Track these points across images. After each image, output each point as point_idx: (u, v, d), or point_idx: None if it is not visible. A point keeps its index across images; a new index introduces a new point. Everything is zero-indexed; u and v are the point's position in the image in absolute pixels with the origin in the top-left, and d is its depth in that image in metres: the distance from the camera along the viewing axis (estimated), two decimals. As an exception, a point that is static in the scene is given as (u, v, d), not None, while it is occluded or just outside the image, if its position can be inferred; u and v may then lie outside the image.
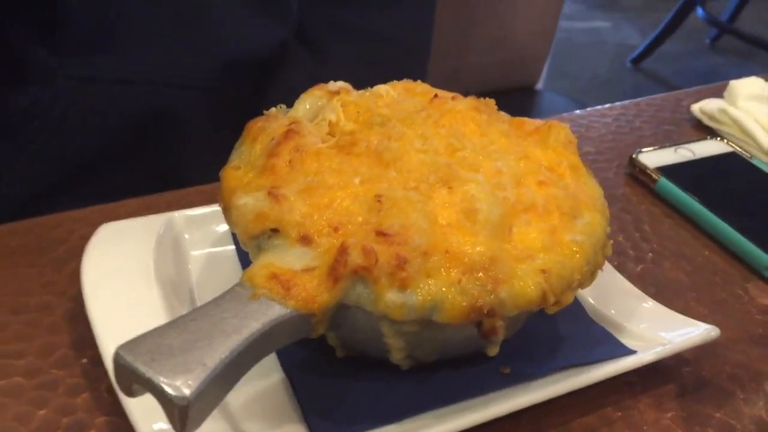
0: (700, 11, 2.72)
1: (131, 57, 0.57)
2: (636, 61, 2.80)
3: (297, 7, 0.65)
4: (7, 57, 0.55)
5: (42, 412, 0.31)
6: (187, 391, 0.24)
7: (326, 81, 0.68)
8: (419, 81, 0.39)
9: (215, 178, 0.49)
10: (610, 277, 0.39)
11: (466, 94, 1.18)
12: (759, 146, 0.54)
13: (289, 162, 0.32)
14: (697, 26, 2.83)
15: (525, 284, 0.30)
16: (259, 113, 0.64)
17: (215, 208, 0.41)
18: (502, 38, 1.28)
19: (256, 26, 0.62)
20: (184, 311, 0.35)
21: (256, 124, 0.36)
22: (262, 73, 0.64)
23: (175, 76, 0.59)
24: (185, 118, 0.60)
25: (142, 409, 0.29)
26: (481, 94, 1.34)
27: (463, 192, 0.31)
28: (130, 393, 0.26)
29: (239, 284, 0.29)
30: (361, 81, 0.69)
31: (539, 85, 1.38)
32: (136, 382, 0.25)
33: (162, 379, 0.24)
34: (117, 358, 0.25)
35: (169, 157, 0.61)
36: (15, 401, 0.32)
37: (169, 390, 0.24)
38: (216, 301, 0.28)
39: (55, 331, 0.35)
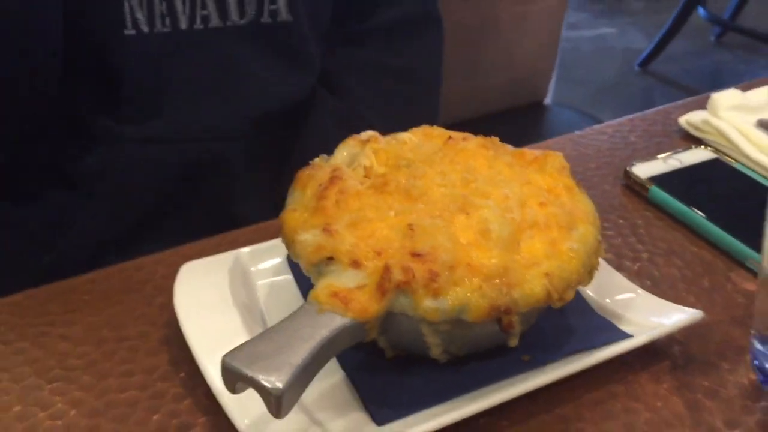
0: (701, 11, 2.76)
1: (181, 117, 0.65)
2: (643, 64, 2.85)
3: (319, 58, 0.74)
4: (75, 125, 0.64)
5: (156, 417, 0.39)
6: (280, 384, 0.32)
7: (348, 117, 0.76)
8: (435, 126, 0.47)
9: (264, 213, 0.57)
10: (608, 274, 0.46)
11: (477, 115, 1.25)
12: (740, 151, 0.61)
13: (336, 202, 0.40)
14: (701, 24, 2.88)
15: (533, 286, 0.37)
16: (294, 153, 0.73)
17: (272, 243, 0.49)
18: (508, 59, 1.34)
19: (286, 79, 0.70)
20: (258, 329, 0.43)
21: (305, 173, 0.44)
22: (293, 117, 0.73)
23: (219, 129, 0.67)
24: (231, 164, 0.68)
25: (236, 407, 0.37)
26: (492, 113, 1.39)
27: (478, 216, 0.39)
28: (234, 390, 0.33)
29: (308, 303, 0.36)
30: (381, 114, 0.76)
31: (548, 99, 1.44)
32: (239, 381, 0.33)
33: (261, 376, 0.32)
34: (224, 363, 0.33)
35: (220, 200, 0.69)
36: (134, 409, 0.40)
37: (267, 384, 0.32)
38: (291, 317, 0.36)
39: (154, 353, 0.43)
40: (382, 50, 0.77)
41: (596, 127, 0.69)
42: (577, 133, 0.68)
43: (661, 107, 0.71)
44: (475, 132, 0.49)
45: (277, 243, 0.48)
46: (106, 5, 0.59)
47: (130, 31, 0.60)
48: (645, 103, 2.59)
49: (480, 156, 0.43)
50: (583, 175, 0.60)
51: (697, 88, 2.66)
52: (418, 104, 0.79)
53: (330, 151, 0.47)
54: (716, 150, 0.62)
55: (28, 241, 0.65)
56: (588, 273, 0.41)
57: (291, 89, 0.71)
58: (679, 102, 0.72)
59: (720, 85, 0.71)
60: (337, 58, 0.77)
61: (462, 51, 1.25)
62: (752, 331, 0.43)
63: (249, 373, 0.32)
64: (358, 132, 0.48)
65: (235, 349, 0.34)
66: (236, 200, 0.69)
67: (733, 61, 2.96)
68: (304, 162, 0.46)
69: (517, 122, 1.30)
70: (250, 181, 0.70)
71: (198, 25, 0.63)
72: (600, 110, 2.50)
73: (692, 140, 0.65)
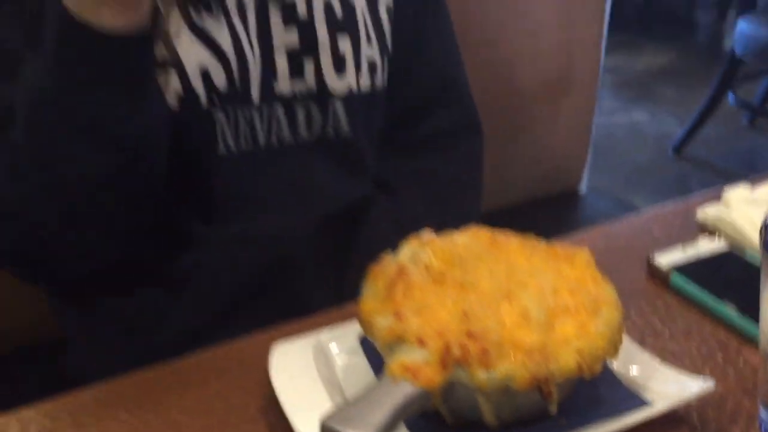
0: (731, 96, 2.85)
1: (260, 220, 0.76)
2: (678, 149, 2.91)
3: (374, 165, 0.85)
4: (173, 229, 0.75)
5: (260, 472, 0.48)
6: (369, 440, 0.41)
7: (400, 217, 0.86)
8: (482, 226, 0.56)
9: (329, 302, 0.67)
10: (633, 350, 0.54)
11: (514, 204, 1.35)
12: (750, 242, 0.69)
13: (403, 293, 0.50)
14: (733, 108, 2.96)
15: (566, 360, 0.46)
16: (354, 250, 0.82)
17: (346, 326, 0.58)
18: (542, 152, 1.43)
19: (346, 185, 0.81)
20: (339, 398, 0.52)
21: (376, 269, 0.53)
22: (353, 218, 0.83)
23: (290, 230, 0.77)
24: (299, 259, 0.78)
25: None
26: (528, 202, 1.49)
27: (520, 303, 0.48)
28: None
29: (385, 375, 0.45)
30: (429, 215, 0.86)
31: (582, 187, 1.52)
32: (336, 438, 0.41)
33: (354, 433, 0.41)
34: (324, 424, 0.42)
35: (291, 291, 0.78)
36: (242, 466, 0.49)
37: (359, 439, 0.41)
38: (373, 387, 0.45)
39: (254, 420, 0.52)
40: (429, 158, 0.88)
41: (624, 219, 0.78)
42: (606, 225, 0.77)
43: (680, 201, 0.79)
44: (513, 221, 0.58)
45: (350, 326, 0.57)
46: (202, 130, 0.71)
47: (221, 151, 0.72)
48: (680, 188, 2.66)
49: (519, 253, 0.53)
50: (610, 263, 0.68)
51: (733, 171, 2.73)
52: (462, 205, 0.89)
53: (385, 248, 0.56)
54: (730, 240, 0.70)
55: (129, 329, 0.75)
56: (613, 349, 0.49)
57: (350, 194, 0.82)
58: (698, 195, 0.81)
59: (755, 167, 0.79)
60: (390, 165, 0.88)
61: (498, 146, 1.34)
62: (759, 400, 0.50)
63: (344, 430, 0.41)
64: (407, 230, 0.57)
65: (330, 413, 0.43)
66: (305, 291, 0.79)
67: (766, 144, 3.02)
68: (365, 258, 0.56)
69: (552, 211, 1.38)
70: (317, 275, 0.79)
71: (274, 141, 0.75)
72: (635, 195, 2.57)
73: (707, 231, 0.73)
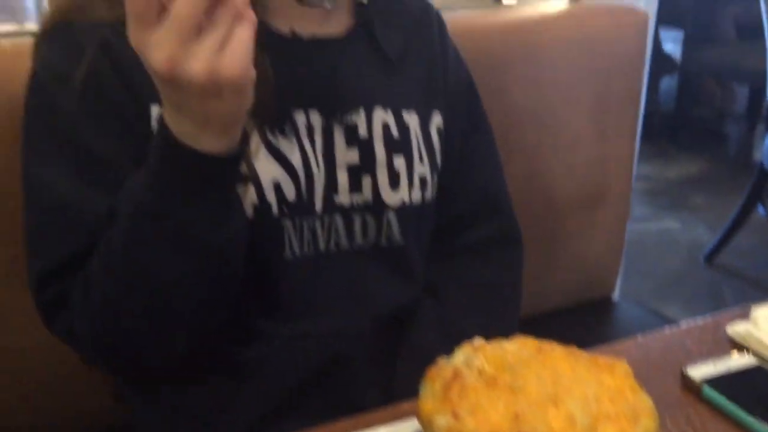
0: (761, 209, 2.89)
1: (319, 319, 0.82)
2: (709, 258, 2.93)
3: (423, 272, 0.92)
4: (240, 325, 0.81)
5: None
6: None
7: (445, 320, 0.91)
8: (529, 336, 0.62)
9: (378, 400, 0.72)
10: (668, 458, 0.59)
11: (548, 311, 1.41)
12: (778, 358, 0.74)
13: (459, 394, 0.55)
14: (764, 219, 2.99)
15: (608, 463, 0.51)
16: (402, 353, 0.87)
17: (399, 425, 0.63)
18: (576, 261, 1.47)
19: (397, 290, 0.88)
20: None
21: (433, 371, 0.59)
22: (402, 321, 0.89)
23: (346, 329, 0.84)
24: (353, 358, 0.84)
25: None
26: (562, 310, 1.53)
27: (565, 408, 0.53)
28: None
29: (445, 468, 0.51)
30: (472, 321, 0.91)
31: (615, 294, 1.56)
32: None
33: None
34: None
35: (345, 387, 0.84)
36: None
37: None
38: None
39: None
40: (473, 268, 0.95)
41: (658, 333, 0.83)
42: (641, 337, 0.82)
43: (710, 318, 0.84)
44: (548, 327, 0.63)
45: (403, 424, 0.62)
46: (272, 237, 0.79)
47: (287, 255, 0.79)
48: (712, 296, 2.67)
49: (564, 361, 0.58)
50: (645, 375, 0.73)
51: (765, 282, 2.74)
52: (504, 318, 0.94)
53: (432, 356, 0.62)
54: (758, 356, 0.75)
55: (195, 416, 0.81)
56: (651, 455, 0.54)
57: (401, 297, 0.88)
58: (727, 312, 0.85)
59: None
60: (436, 271, 0.94)
61: (535, 255, 1.39)
62: None
63: None
64: (454, 340, 0.62)
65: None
66: (358, 389, 0.84)
67: (801, 254, 3.02)
68: (413, 364, 0.61)
69: (586, 318, 1.42)
70: (369, 374, 0.85)
71: (332, 247, 0.82)
72: (667, 301, 2.59)
73: (737, 347, 0.78)
